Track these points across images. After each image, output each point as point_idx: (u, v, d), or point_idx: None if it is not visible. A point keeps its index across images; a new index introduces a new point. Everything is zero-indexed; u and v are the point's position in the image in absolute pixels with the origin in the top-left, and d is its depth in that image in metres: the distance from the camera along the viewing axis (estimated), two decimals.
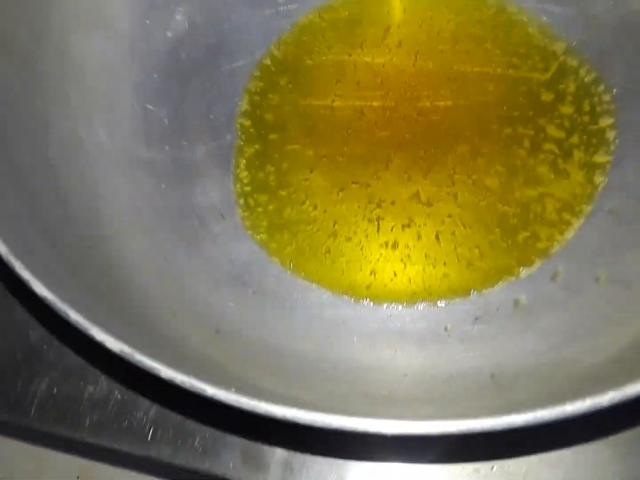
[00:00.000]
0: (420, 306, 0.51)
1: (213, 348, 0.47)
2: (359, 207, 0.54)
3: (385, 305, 0.51)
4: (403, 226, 0.52)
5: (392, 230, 0.53)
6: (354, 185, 0.54)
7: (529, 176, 0.53)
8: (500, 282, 0.51)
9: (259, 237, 0.54)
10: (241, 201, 0.56)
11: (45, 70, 0.51)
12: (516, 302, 0.50)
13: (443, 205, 0.53)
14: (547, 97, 0.56)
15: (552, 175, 0.53)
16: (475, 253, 0.51)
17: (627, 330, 0.45)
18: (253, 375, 0.45)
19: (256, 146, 0.57)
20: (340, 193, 0.54)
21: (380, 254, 0.52)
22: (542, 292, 0.50)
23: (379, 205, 0.53)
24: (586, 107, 0.55)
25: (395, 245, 0.52)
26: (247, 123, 0.58)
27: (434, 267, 0.52)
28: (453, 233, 0.52)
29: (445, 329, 0.50)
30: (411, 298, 0.51)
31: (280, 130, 0.57)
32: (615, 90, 0.54)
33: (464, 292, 0.51)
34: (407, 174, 0.54)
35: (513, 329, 0.49)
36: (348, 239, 0.53)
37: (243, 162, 0.57)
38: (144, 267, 0.50)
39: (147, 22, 0.58)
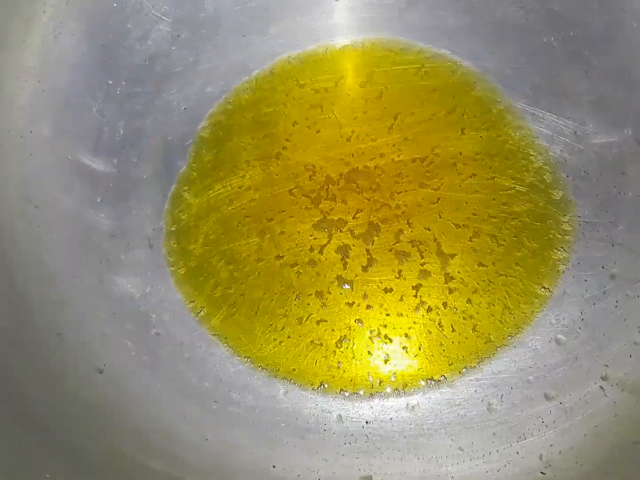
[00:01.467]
0: (318, 392, 0.49)
1: (88, 390, 0.45)
2: (281, 291, 0.52)
3: (281, 382, 0.49)
4: (318, 321, 0.50)
5: (307, 318, 0.50)
6: (284, 268, 0.52)
7: (468, 295, 0.50)
8: (402, 389, 0.48)
9: (179, 273, 0.52)
10: (173, 228, 0.54)
11: (3, 62, 0.49)
12: (411, 409, 0.48)
13: (370, 317, 0.51)
14: (517, 208, 0.52)
15: (491, 299, 0.50)
16: (383, 357, 0.49)
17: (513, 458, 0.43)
18: (115, 430, 0.44)
19: (204, 180, 0.55)
20: (268, 261, 0.52)
21: (289, 335, 0.50)
22: (436, 410, 0.48)
23: (297, 297, 0.52)
24: (548, 231, 0.51)
25: (308, 327, 0.50)
26: (203, 155, 0.56)
27: (338, 360, 0.49)
28: (370, 338, 0.50)
29: (333, 423, 0.48)
30: (310, 382, 0.49)
31: (230, 171, 0.55)
32: (580, 221, 0.51)
33: (364, 389, 0.49)
34: (338, 265, 0.52)
35: (395, 444, 0.46)
36: (252, 309, 0.51)
37: (187, 194, 0.54)
38: (45, 277, 0.49)
39: (129, 25, 0.56)
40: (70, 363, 0.46)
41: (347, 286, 0.51)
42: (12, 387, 0.41)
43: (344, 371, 0.50)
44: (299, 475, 0.45)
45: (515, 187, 0.53)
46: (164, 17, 0.57)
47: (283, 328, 0.50)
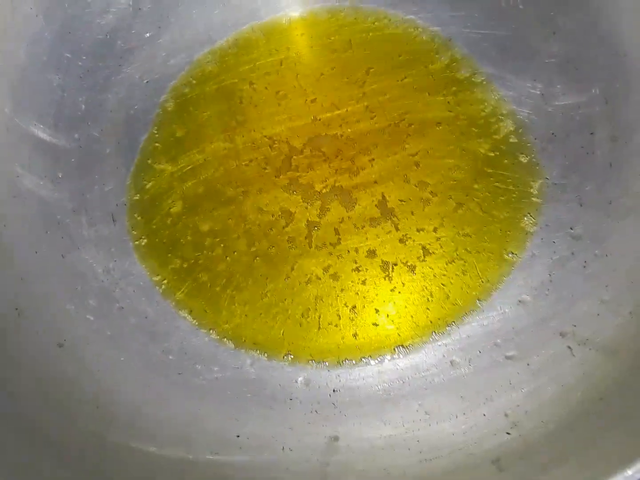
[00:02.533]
0: (284, 362, 0.48)
1: (47, 365, 0.45)
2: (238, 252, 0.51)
3: (247, 353, 0.48)
4: (284, 293, 0.49)
5: (273, 290, 0.50)
6: (250, 240, 0.51)
7: (438, 262, 0.49)
8: (369, 357, 0.47)
9: (143, 247, 0.52)
10: (137, 199, 0.53)
11: None
12: (379, 376, 0.47)
13: (339, 286, 0.50)
14: (487, 173, 0.52)
15: (461, 264, 0.49)
16: (350, 326, 0.48)
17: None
18: (75, 405, 0.43)
19: (168, 153, 0.54)
20: (233, 234, 0.51)
21: (254, 306, 0.50)
22: (403, 377, 0.47)
23: (264, 270, 0.50)
24: (517, 194, 0.51)
25: (274, 299, 0.49)
26: (166, 128, 0.55)
27: (305, 330, 0.48)
28: (338, 307, 0.49)
29: (300, 392, 0.47)
30: (276, 352, 0.48)
31: (194, 143, 0.54)
32: (548, 183, 0.50)
33: (331, 358, 0.48)
34: (306, 238, 0.51)
35: (362, 411, 0.46)
36: (218, 282, 0.50)
37: (150, 168, 0.54)
38: (4, 253, 0.48)
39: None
40: (29, 338, 0.45)
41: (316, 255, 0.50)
42: None
43: (311, 341, 0.49)
44: (263, 444, 0.44)
45: (484, 152, 0.52)
46: None
47: (248, 300, 0.49)
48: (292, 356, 0.48)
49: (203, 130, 0.54)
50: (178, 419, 0.45)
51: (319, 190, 0.52)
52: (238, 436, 0.44)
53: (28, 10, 0.52)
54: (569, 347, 0.43)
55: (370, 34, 0.56)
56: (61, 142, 0.52)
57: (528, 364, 0.44)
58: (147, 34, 0.56)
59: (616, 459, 0.32)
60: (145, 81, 0.55)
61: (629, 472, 0.30)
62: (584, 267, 0.46)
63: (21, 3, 0.52)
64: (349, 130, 0.53)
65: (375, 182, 0.52)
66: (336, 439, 0.44)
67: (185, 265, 0.51)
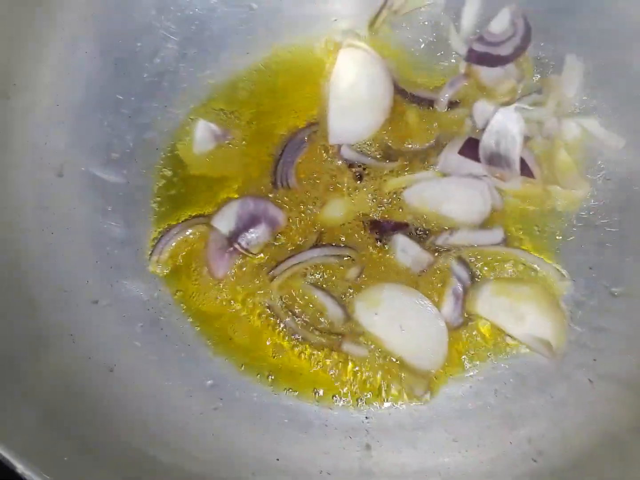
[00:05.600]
0: (318, 395, 0.51)
1: (99, 388, 0.48)
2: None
3: (284, 381, 0.52)
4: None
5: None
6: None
7: None
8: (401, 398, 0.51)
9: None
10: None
11: (20, 77, 0.52)
12: (409, 405, 0.50)
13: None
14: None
15: None
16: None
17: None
18: (124, 425, 0.46)
19: (213, 186, 0.58)
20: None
21: (281, 345, 0.53)
22: (433, 405, 0.50)
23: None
24: None
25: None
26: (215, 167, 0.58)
27: (335, 370, 0.52)
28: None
29: (334, 418, 0.50)
30: (311, 386, 0.51)
31: (233, 181, 0.57)
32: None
33: (363, 392, 0.51)
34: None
35: (394, 437, 0.49)
36: (259, 317, 0.54)
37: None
38: (58, 282, 0.51)
39: (139, 44, 0.59)
40: (83, 362, 0.48)
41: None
42: (28, 385, 0.44)
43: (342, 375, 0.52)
44: (301, 468, 0.47)
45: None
46: (171, 36, 0.60)
47: (265, 338, 0.53)
48: (321, 392, 0.51)
49: (243, 169, 0.57)
50: (221, 442, 0.48)
51: None
52: (278, 459, 0.47)
53: (84, 54, 0.56)
54: (590, 380, 0.46)
55: None
56: (110, 178, 0.56)
57: (552, 396, 0.47)
58: (192, 77, 0.60)
59: None
60: (190, 122, 0.59)
61: None
62: (603, 304, 0.49)
63: (78, 48, 0.56)
64: None
65: None
66: (369, 464, 0.47)
67: (225, 298, 0.54)
